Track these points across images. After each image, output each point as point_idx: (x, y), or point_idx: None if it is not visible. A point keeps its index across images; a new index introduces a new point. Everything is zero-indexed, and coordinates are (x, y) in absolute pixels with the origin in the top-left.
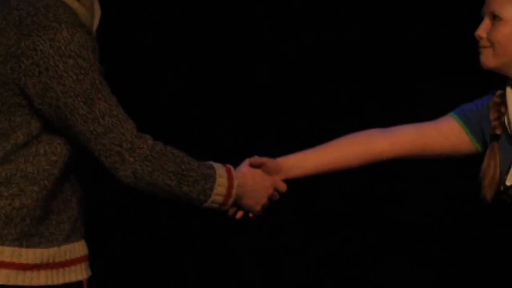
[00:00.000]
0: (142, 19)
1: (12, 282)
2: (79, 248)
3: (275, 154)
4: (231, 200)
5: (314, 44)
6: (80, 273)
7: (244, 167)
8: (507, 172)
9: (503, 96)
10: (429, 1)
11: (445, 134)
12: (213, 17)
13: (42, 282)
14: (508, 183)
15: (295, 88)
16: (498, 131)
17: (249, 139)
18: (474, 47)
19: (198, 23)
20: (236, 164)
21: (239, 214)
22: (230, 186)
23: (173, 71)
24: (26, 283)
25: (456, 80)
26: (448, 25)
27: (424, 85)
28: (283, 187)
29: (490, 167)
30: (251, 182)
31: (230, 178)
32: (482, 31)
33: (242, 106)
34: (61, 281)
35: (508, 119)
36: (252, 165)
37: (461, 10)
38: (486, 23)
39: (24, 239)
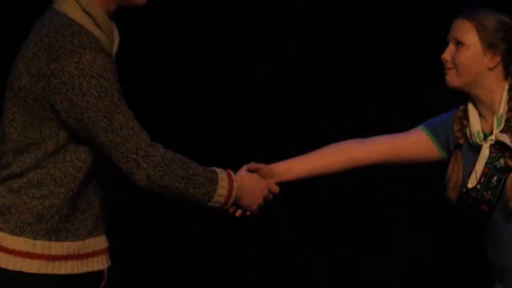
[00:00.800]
0: (143, 20)
1: (42, 270)
2: (100, 242)
3: (275, 154)
4: (231, 201)
5: (315, 45)
6: (101, 263)
7: (242, 171)
8: (469, 176)
9: (466, 111)
10: (429, 2)
11: (415, 143)
12: (214, 18)
13: (68, 271)
14: (469, 186)
15: (296, 89)
16: (461, 141)
17: (249, 140)
18: None
19: (198, 24)
20: (237, 163)
21: (238, 212)
22: (230, 188)
23: (173, 72)
24: (55, 272)
25: None
26: (448, 26)
27: (424, 86)
28: (276, 189)
29: (454, 172)
30: (248, 185)
31: (230, 181)
32: (447, 55)
33: (243, 107)
34: (85, 270)
35: (470, 131)
36: (249, 170)
37: (460, 10)
38: (451, 48)
39: (53, 234)
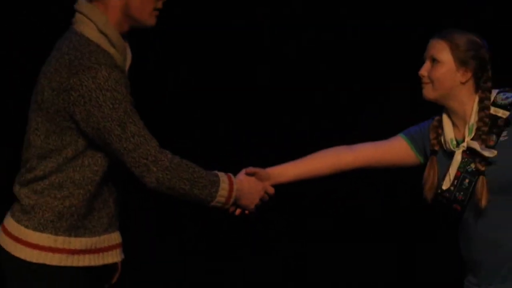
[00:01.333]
0: None
1: (63, 263)
2: (115, 237)
3: (275, 154)
4: (231, 201)
5: (315, 45)
6: (115, 256)
7: (241, 175)
8: (443, 179)
9: (440, 121)
10: (427, 2)
11: (395, 150)
12: (213, 18)
13: (86, 263)
14: (443, 187)
15: (296, 89)
16: (436, 148)
17: (249, 139)
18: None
19: (198, 24)
20: (237, 162)
21: (238, 211)
22: (230, 190)
23: (173, 72)
24: (74, 264)
25: None
26: (449, 25)
27: None
28: (271, 190)
29: (430, 175)
30: (247, 186)
31: (230, 183)
32: (424, 71)
33: (243, 107)
34: (101, 262)
35: (444, 139)
36: (247, 174)
37: (460, 10)
38: (427, 64)
39: (73, 231)
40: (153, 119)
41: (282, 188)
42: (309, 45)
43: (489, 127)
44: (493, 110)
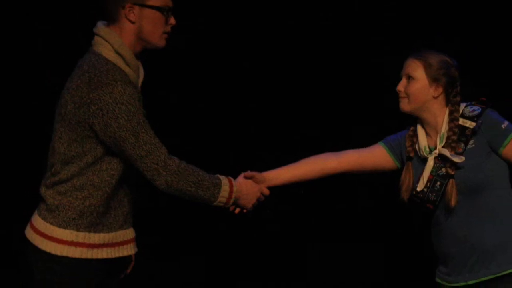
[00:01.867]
0: None
1: (84, 256)
2: (129, 233)
3: (272, 153)
4: (231, 201)
5: (313, 43)
6: (130, 249)
7: (240, 178)
8: (417, 182)
9: (415, 131)
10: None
11: (375, 156)
12: (207, 19)
13: (104, 256)
14: (418, 189)
15: (294, 88)
16: (411, 154)
17: (247, 144)
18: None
19: (195, 23)
20: (236, 165)
21: (237, 210)
22: (231, 191)
23: (171, 71)
24: (94, 257)
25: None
26: (448, 29)
27: None
28: (267, 192)
29: (406, 178)
30: (245, 188)
31: (231, 185)
32: (401, 86)
33: (239, 108)
34: (117, 255)
35: (418, 146)
36: (246, 177)
37: (459, 12)
38: (403, 81)
39: (92, 227)
40: (160, 128)
41: (283, 189)
42: (306, 43)
43: (458, 136)
44: (461, 121)
